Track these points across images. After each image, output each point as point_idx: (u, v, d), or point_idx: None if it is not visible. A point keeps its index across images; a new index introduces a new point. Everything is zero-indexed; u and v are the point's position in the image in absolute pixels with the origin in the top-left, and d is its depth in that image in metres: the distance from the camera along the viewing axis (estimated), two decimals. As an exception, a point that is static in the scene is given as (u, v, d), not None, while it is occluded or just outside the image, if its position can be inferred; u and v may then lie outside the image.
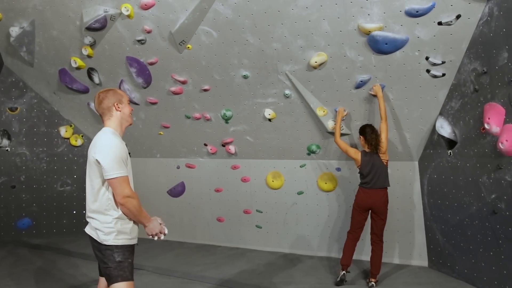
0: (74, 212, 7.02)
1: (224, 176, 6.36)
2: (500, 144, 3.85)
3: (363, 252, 5.57)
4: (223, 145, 6.11)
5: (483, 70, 4.07)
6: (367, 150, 4.65)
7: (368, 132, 4.61)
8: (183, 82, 5.61)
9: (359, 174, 4.73)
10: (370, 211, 4.68)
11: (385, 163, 4.69)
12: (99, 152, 2.69)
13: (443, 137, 4.70)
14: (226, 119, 5.79)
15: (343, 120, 5.18)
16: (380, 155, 4.68)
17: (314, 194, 5.87)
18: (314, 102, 5.19)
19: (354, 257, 4.93)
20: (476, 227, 4.39)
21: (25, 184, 6.82)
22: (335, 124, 5.06)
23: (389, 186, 4.67)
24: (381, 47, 4.45)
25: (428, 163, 5.11)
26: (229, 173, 6.31)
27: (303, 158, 5.85)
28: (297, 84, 5.10)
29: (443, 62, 4.41)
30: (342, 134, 5.18)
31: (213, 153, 6.29)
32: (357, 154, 4.72)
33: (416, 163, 5.32)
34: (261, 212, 6.23)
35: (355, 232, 4.84)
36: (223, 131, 5.95)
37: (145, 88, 5.83)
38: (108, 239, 2.73)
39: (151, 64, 5.55)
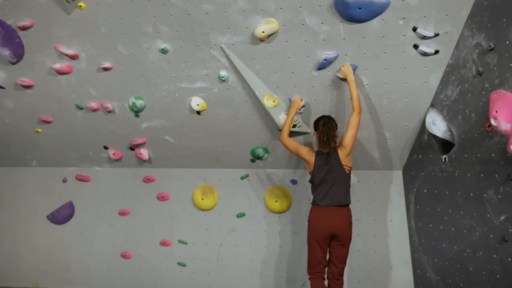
0: None
1: (133, 193, 6.25)
2: (511, 147, 3.79)
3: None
4: (132, 148, 6.00)
5: (489, 46, 4.01)
6: (323, 150, 4.72)
7: (320, 125, 4.74)
8: (73, 57, 5.37)
9: (310, 184, 4.83)
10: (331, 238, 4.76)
11: (347, 171, 4.71)
12: None
13: (435, 137, 4.73)
14: (136, 111, 5.62)
15: (299, 113, 5.17)
16: (342, 158, 4.69)
17: (261, 216, 5.88)
18: (261, 88, 5.14)
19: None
20: (481, 260, 4.36)
21: None
22: (287, 116, 5.08)
23: (349, 203, 4.77)
24: (352, 12, 4.41)
25: (416, 173, 5.15)
26: (140, 188, 6.22)
27: (245, 167, 5.87)
28: (237, 62, 5.01)
29: (436, 35, 4.40)
30: (297, 133, 5.24)
31: (117, 160, 6.14)
32: (310, 155, 4.80)
33: (400, 172, 5.39)
34: (186, 244, 6.13)
35: (317, 273, 4.79)
36: (131, 129, 5.81)
37: (14, 64, 5.53)
38: None
39: (24, 28, 5.26)
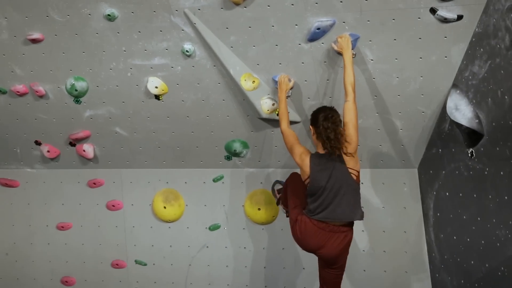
0: None
1: (75, 201, 6.27)
2: (555, 138, 3.83)
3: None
4: (72, 144, 6.02)
5: None
6: (321, 151, 4.63)
7: (321, 119, 4.56)
8: None
9: (307, 195, 4.70)
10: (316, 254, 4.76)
11: (354, 177, 4.58)
12: None
13: (459, 126, 4.69)
14: (77, 96, 5.64)
15: (288, 96, 5.19)
16: (346, 160, 4.56)
17: (239, 229, 5.93)
18: (237, 66, 5.18)
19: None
20: (518, 281, 4.31)
21: None
22: (278, 103, 5.05)
23: (360, 218, 4.62)
24: None
25: (435, 171, 5.16)
26: (84, 195, 6.25)
27: (219, 166, 5.93)
28: (206, 32, 5.02)
29: None
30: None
31: (52, 159, 6.17)
32: (303, 158, 4.65)
33: (415, 171, 5.44)
34: (145, 265, 6.18)
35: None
36: (71, 118, 5.83)
37: None
38: None
39: None
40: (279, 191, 5.67)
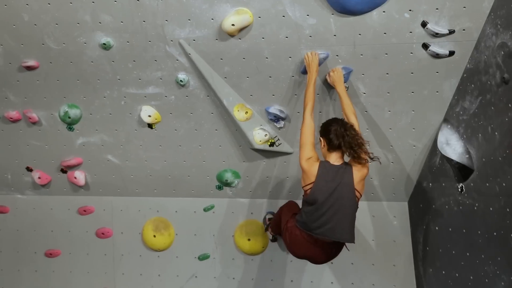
0: None
1: (64, 228, 6.21)
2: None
3: None
4: (64, 171, 6.01)
5: None
6: (333, 161, 4.38)
7: (337, 130, 4.31)
8: None
9: (303, 201, 4.48)
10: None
11: (357, 199, 4.36)
12: None
13: (450, 160, 4.66)
14: (70, 123, 5.65)
15: (278, 128, 5.23)
16: (356, 180, 4.32)
17: (229, 259, 5.91)
18: (230, 97, 5.18)
19: None
20: (508, 318, 4.49)
21: None
22: (306, 85, 4.70)
23: (352, 241, 4.40)
24: (346, 2, 4.44)
25: (425, 205, 5.14)
26: (73, 222, 6.18)
27: (210, 196, 5.92)
28: (200, 63, 5.03)
29: (451, 32, 4.43)
30: (276, 153, 5.28)
31: (43, 185, 6.14)
32: (311, 164, 4.37)
33: (405, 204, 5.45)
34: None
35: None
36: (63, 145, 5.83)
37: None
38: None
39: None
40: (270, 219, 5.63)
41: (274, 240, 5.70)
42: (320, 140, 4.45)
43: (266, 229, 5.64)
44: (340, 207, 4.28)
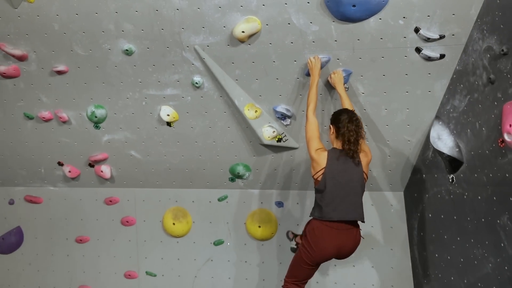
0: None
1: (93, 217, 6.22)
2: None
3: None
4: (91, 165, 5.99)
5: (502, 50, 3.89)
6: (339, 147, 4.45)
7: (344, 120, 4.36)
8: (21, 58, 5.31)
9: (315, 191, 4.46)
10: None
11: (364, 180, 4.43)
12: None
13: (441, 154, 4.68)
14: (96, 122, 5.63)
15: (285, 126, 5.23)
16: (364, 164, 4.43)
17: (241, 244, 5.91)
18: (241, 97, 5.17)
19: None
20: (494, 296, 4.18)
21: None
22: (309, 86, 4.75)
23: (363, 220, 4.46)
24: (346, 10, 4.43)
25: (419, 194, 5.15)
26: (100, 211, 6.20)
27: (224, 187, 5.88)
28: (214, 66, 5.02)
29: (442, 37, 4.45)
30: (283, 148, 5.25)
31: (73, 178, 6.12)
32: (319, 153, 4.42)
33: (401, 194, 5.40)
34: (155, 276, 6.12)
35: (298, 283, 4.65)
36: (90, 142, 5.80)
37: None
38: None
39: (-39, 25, 5.11)
40: (293, 233, 5.63)
41: (297, 247, 5.40)
42: (330, 128, 4.49)
43: (292, 239, 5.59)
44: (351, 190, 4.33)
